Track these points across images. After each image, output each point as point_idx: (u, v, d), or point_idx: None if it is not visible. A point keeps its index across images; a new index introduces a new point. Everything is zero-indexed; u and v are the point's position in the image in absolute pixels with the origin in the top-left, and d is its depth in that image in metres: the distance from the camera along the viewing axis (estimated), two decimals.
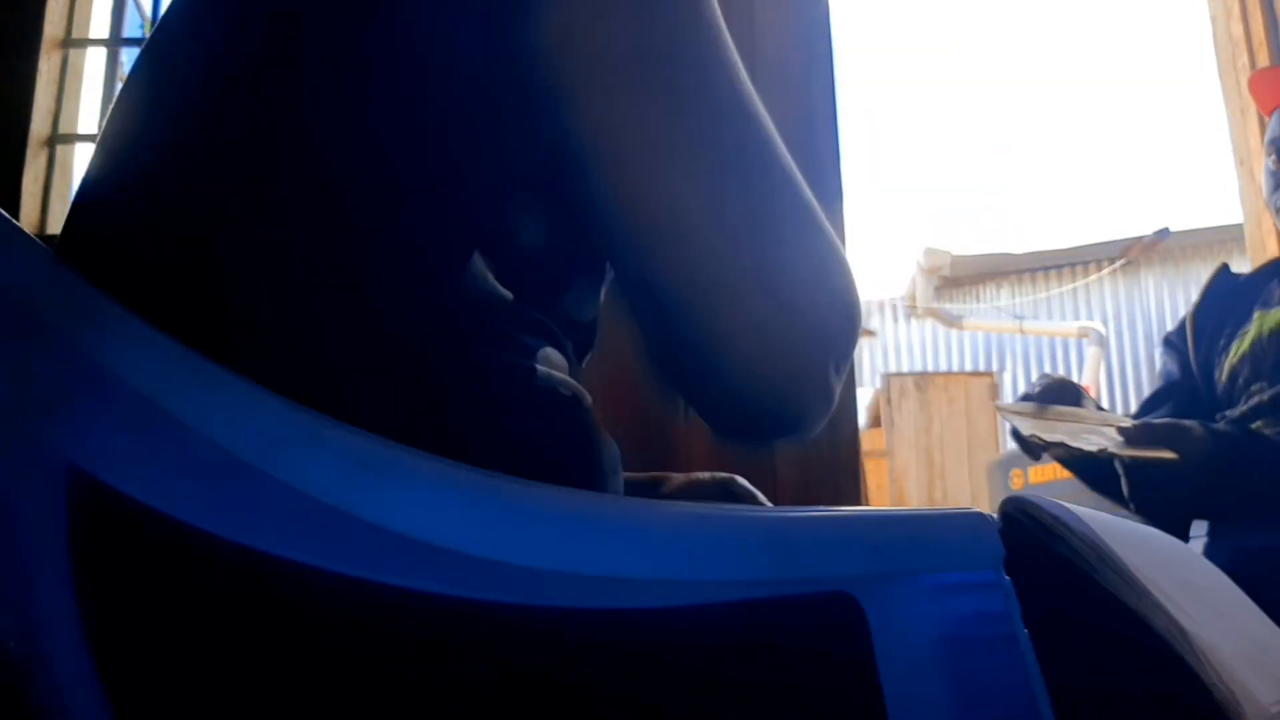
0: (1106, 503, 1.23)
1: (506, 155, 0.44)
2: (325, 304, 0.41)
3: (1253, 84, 1.58)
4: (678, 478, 0.73)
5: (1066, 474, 1.22)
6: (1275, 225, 1.51)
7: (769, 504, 0.76)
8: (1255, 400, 1.27)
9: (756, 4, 1.13)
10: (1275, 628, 0.43)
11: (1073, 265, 8.47)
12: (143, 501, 0.35)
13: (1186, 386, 1.42)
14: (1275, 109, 1.45)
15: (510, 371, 0.43)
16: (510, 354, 0.44)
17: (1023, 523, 0.37)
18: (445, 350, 0.42)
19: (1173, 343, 1.48)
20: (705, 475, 0.75)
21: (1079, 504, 0.41)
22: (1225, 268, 1.50)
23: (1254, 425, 1.24)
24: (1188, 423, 1.18)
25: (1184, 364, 1.44)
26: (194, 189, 0.43)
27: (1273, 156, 1.42)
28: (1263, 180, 1.45)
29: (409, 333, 0.41)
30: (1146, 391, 1.50)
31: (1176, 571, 0.43)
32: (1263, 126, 1.84)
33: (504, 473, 0.35)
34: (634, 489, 0.66)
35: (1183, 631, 0.37)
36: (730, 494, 0.74)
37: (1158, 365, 1.50)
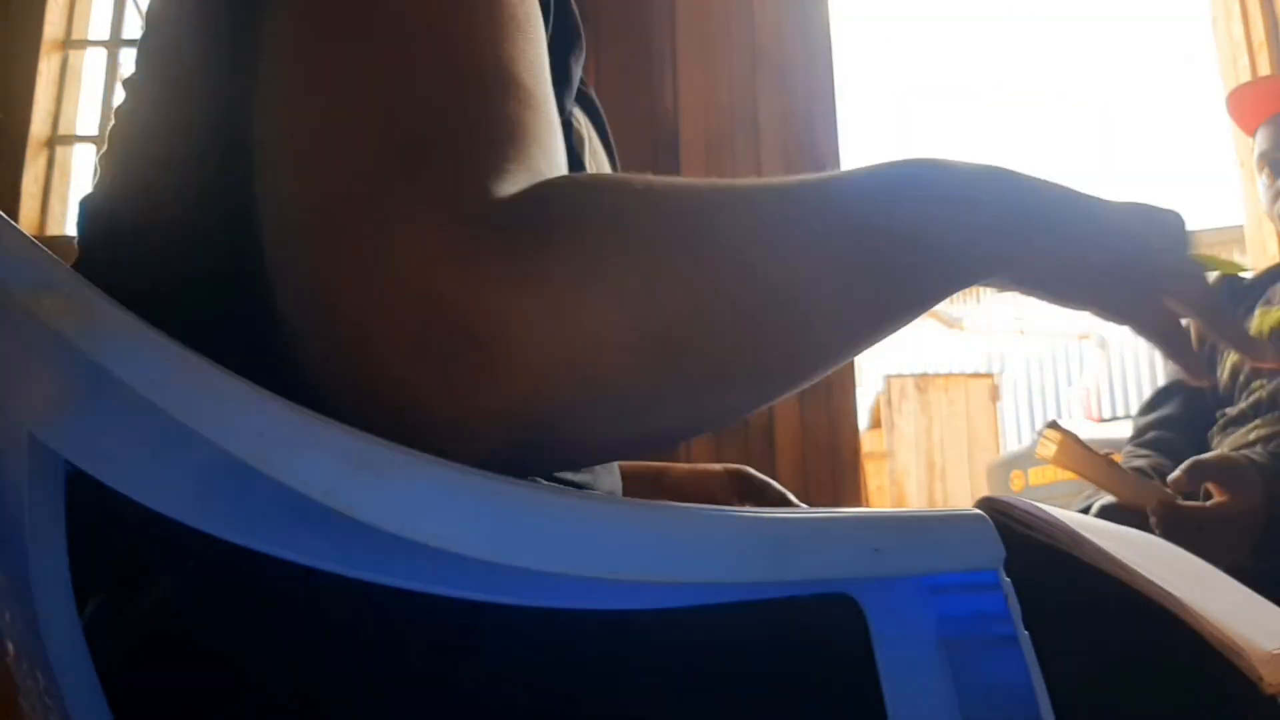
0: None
1: None
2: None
3: (1230, 103, 1.57)
4: (680, 468, 0.70)
5: (1068, 475, 1.21)
6: (1278, 231, 1.51)
7: (788, 494, 0.74)
8: (1255, 397, 1.28)
9: (756, 4, 1.13)
10: (1262, 599, 0.44)
11: None
12: (142, 503, 0.35)
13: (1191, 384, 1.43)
14: (1259, 125, 1.45)
15: None
16: None
17: (999, 520, 0.37)
18: None
19: None
20: (716, 466, 0.72)
21: (1075, 506, 0.42)
22: None
23: (1254, 423, 1.24)
24: (1236, 456, 1.13)
25: None
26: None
27: (1266, 172, 1.43)
28: (1260, 193, 1.45)
29: None
30: (1147, 394, 1.50)
31: (1153, 553, 0.44)
32: None
33: None
34: (634, 481, 0.64)
35: (1169, 595, 0.38)
36: (746, 485, 0.71)
37: (1169, 365, 1.50)
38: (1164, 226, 0.46)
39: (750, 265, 0.35)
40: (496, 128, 0.34)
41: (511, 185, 0.32)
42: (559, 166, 0.36)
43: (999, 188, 0.41)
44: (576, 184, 0.34)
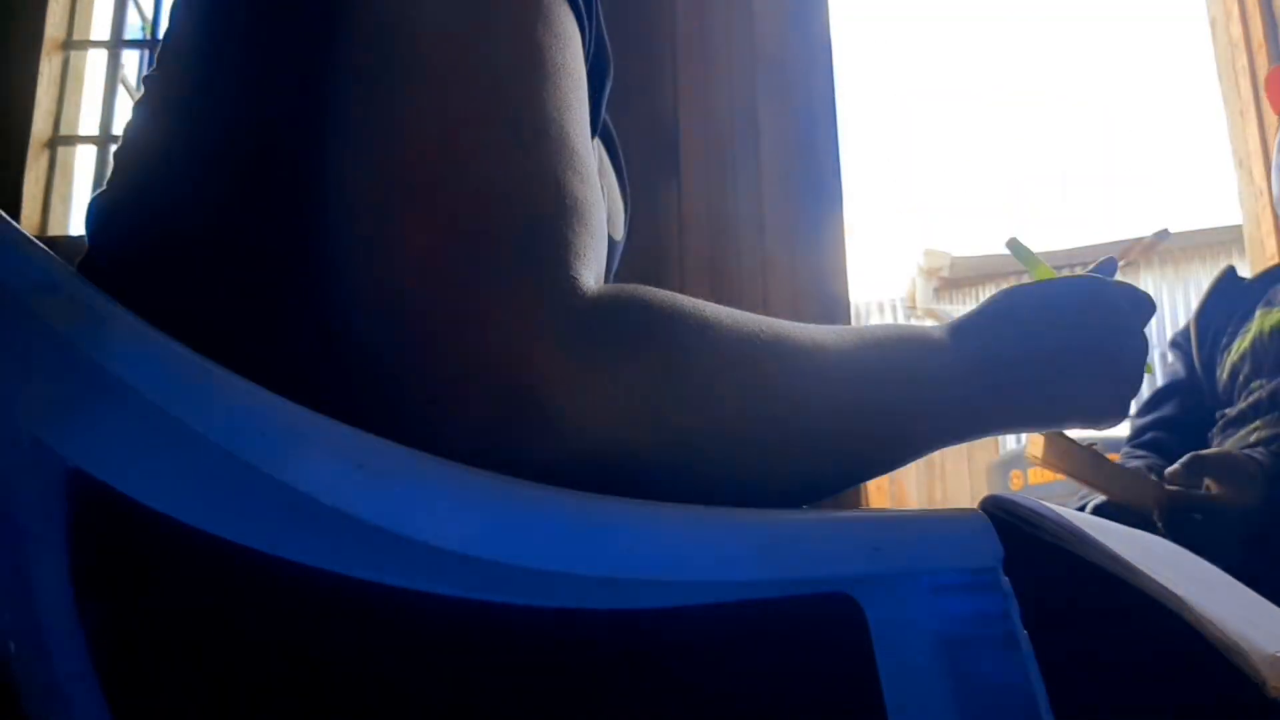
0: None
1: None
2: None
3: (1269, 83, 1.55)
4: None
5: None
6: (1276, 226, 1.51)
7: None
8: (1255, 397, 1.27)
9: (756, 4, 1.13)
10: (1263, 600, 0.44)
11: (1072, 266, 8.46)
12: (142, 503, 0.35)
13: (1191, 385, 1.42)
14: None
15: None
16: None
17: (1003, 519, 0.38)
18: None
19: (1178, 343, 1.48)
20: None
21: (1071, 504, 0.42)
22: (1231, 270, 1.50)
23: (1254, 424, 1.24)
24: (1239, 455, 1.12)
25: (1189, 364, 1.45)
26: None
27: None
28: (1273, 181, 1.44)
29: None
30: (1147, 393, 1.50)
31: (1157, 554, 0.44)
32: (1262, 128, 1.83)
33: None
34: None
35: (1174, 595, 0.38)
36: None
37: (1168, 365, 1.49)
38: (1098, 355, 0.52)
39: (776, 404, 0.40)
40: (567, 209, 0.39)
41: (584, 269, 0.38)
42: (601, 235, 0.41)
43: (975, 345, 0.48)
44: (646, 304, 0.39)
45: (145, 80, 0.50)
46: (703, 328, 0.40)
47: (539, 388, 0.35)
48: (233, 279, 0.42)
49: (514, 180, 0.38)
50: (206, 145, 0.44)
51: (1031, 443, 1.12)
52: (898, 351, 0.46)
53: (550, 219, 0.38)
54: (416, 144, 0.38)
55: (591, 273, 0.38)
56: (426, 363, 0.36)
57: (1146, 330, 0.54)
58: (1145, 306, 0.54)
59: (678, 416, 0.38)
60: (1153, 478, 1.12)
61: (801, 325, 0.44)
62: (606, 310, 0.37)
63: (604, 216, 0.42)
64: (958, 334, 0.49)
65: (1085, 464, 1.09)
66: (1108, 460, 1.13)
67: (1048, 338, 0.50)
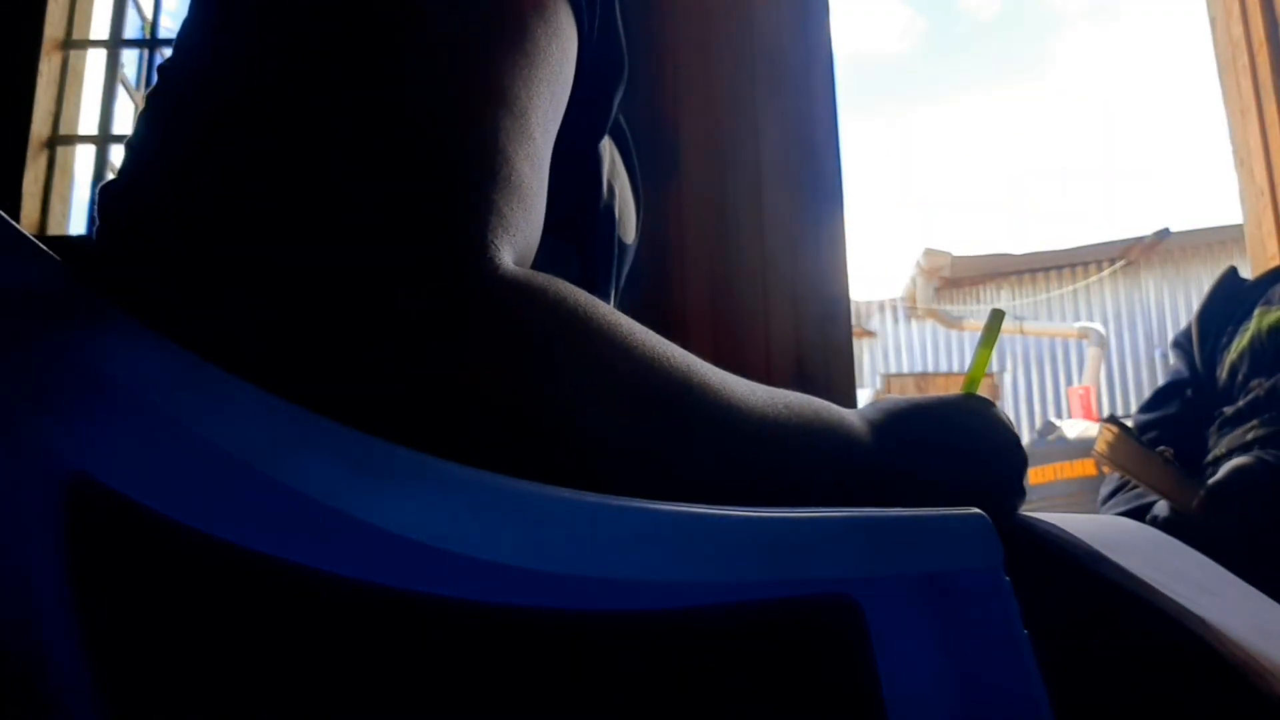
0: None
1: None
2: None
3: None
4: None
5: (1068, 474, 1.22)
6: None
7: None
8: (1253, 395, 1.28)
9: (756, 4, 1.13)
10: (1266, 599, 0.44)
11: (1073, 266, 8.48)
12: (142, 503, 0.35)
13: (1193, 384, 1.43)
14: None
15: None
16: None
17: (1019, 534, 0.37)
18: None
19: (1180, 343, 1.50)
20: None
21: (1074, 505, 0.42)
22: (1233, 270, 1.51)
23: (1251, 423, 1.25)
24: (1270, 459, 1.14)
25: (1191, 364, 1.46)
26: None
27: None
28: None
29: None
30: (1147, 392, 1.51)
31: (1163, 561, 0.44)
32: (1263, 127, 1.83)
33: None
34: None
35: (1189, 612, 0.38)
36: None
37: (1170, 365, 1.50)
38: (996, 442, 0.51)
39: (677, 455, 0.39)
40: (505, 181, 0.38)
41: (505, 246, 0.37)
42: (535, 223, 0.41)
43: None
44: (561, 301, 0.38)
45: (160, 69, 0.50)
46: (619, 350, 0.39)
47: (419, 354, 0.35)
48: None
49: (456, 142, 0.38)
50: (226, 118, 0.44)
51: (1100, 439, 1.12)
52: (811, 410, 0.45)
53: (485, 187, 0.37)
54: (375, 96, 0.38)
55: (513, 251, 0.38)
56: (334, 313, 0.35)
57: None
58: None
59: (548, 422, 0.37)
60: (1195, 486, 1.13)
61: (719, 373, 0.43)
62: (511, 295, 0.36)
63: (542, 208, 0.42)
64: (861, 419, 0.48)
65: (1149, 464, 1.11)
66: (1172, 463, 1.14)
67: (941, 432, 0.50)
